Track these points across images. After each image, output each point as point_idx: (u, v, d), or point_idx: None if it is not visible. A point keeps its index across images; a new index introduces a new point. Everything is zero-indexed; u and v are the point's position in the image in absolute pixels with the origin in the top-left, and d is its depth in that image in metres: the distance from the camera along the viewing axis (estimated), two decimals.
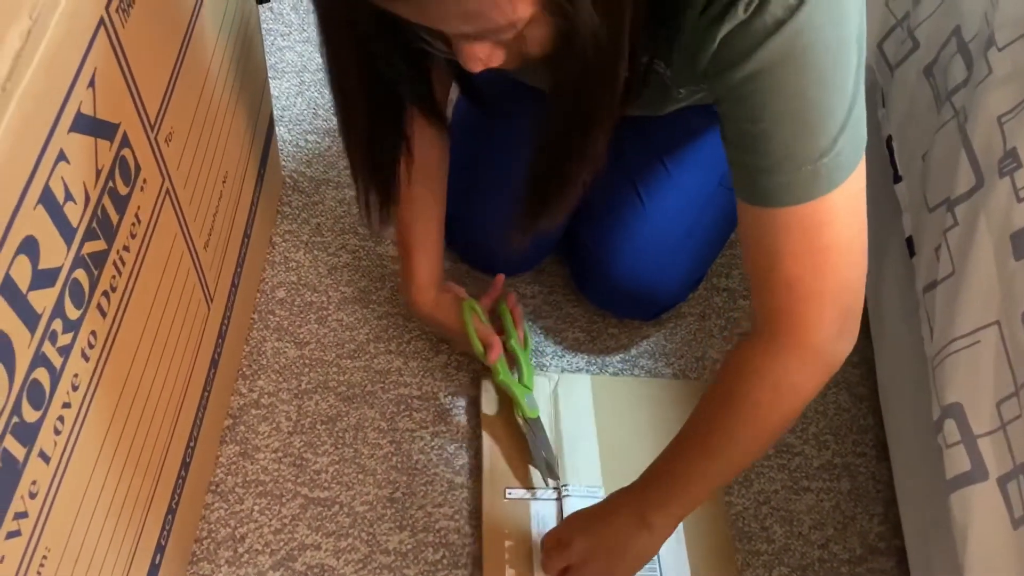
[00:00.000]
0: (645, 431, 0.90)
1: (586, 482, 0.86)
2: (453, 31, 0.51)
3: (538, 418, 0.87)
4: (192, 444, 0.75)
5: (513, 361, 0.90)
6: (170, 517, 0.71)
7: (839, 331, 0.60)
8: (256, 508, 0.84)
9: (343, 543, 0.83)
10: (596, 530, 0.72)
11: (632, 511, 0.69)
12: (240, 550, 0.82)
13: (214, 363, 0.79)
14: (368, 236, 1.05)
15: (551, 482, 0.85)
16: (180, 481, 0.72)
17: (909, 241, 0.84)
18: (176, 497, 0.71)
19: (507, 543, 0.82)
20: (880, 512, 0.89)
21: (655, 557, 0.80)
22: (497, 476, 0.86)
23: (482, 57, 0.52)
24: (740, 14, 0.51)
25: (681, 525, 0.83)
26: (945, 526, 0.68)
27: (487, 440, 0.88)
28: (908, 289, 0.84)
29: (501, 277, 0.93)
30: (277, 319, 0.97)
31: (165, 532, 0.70)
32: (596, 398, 0.93)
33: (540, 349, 0.98)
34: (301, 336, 0.96)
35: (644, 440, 0.87)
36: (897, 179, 0.88)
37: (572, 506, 0.82)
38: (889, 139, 0.91)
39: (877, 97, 0.96)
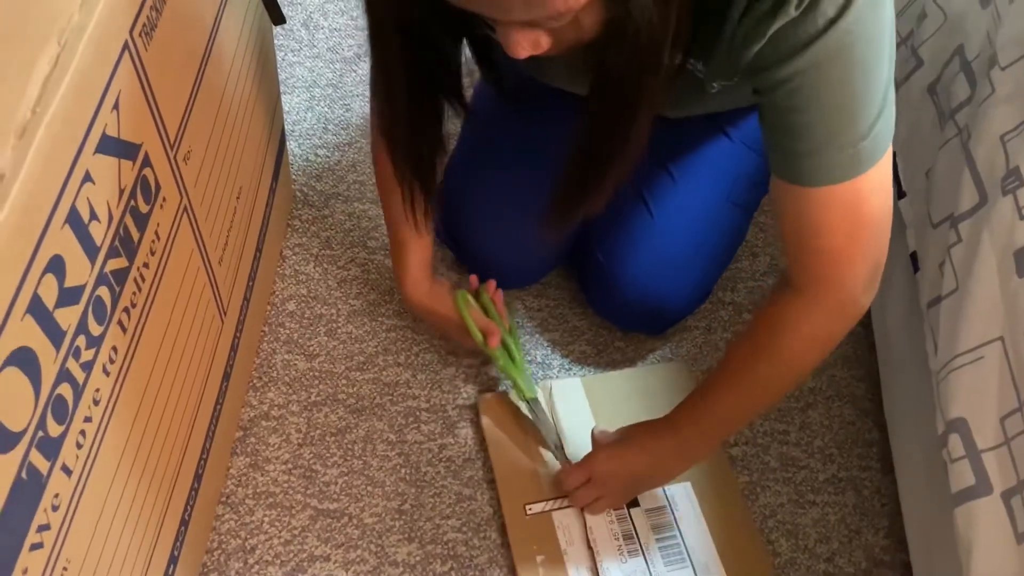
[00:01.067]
0: (642, 419, 0.91)
1: None
2: (511, 18, 0.51)
3: (537, 399, 0.88)
4: (205, 456, 0.76)
5: (505, 347, 0.91)
6: (183, 528, 0.71)
7: (868, 285, 0.67)
8: (266, 520, 0.85)
9: (352, 555, 0.84)
10: (634, 470, 0.80)
11: (668, 449, 0.78)
12: (250, 561, 0.82)
13: (227, 376, 0.80)
14: (377, 249, 1.06)
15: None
16: (193, 492, 0.73)
17: (913, 256, 0.85)
18: (189, 508, 0.72)
19: (539, 558, 0.82)
20: (885, 526, 0.90)
21: (677, 533, 0.85)
22: (514, 494, 0.87)
23: (529, 44, 0.52)
24: (792, 11, 0.53)
25: (698, 503, 0.87)
26: (950, 540, 0.68)
27: (497, 460, 0.89)
28: (912, 304, 0.85)
29: (474, 277, 0.94)
30: (287, 331, 0.98)
31: (178, 543, 0.71)
32: (591, 397, 0.94)
33: (547, 362, 0.99)
34: (311, 348, 0.97)
35: None
36: (901, 195, 0.89)
37: (568, 519, 0.85)
38: (893, 155, 0.92)
39: None
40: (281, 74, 1.21)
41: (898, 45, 0.95)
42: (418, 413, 0.94)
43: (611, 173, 0.63)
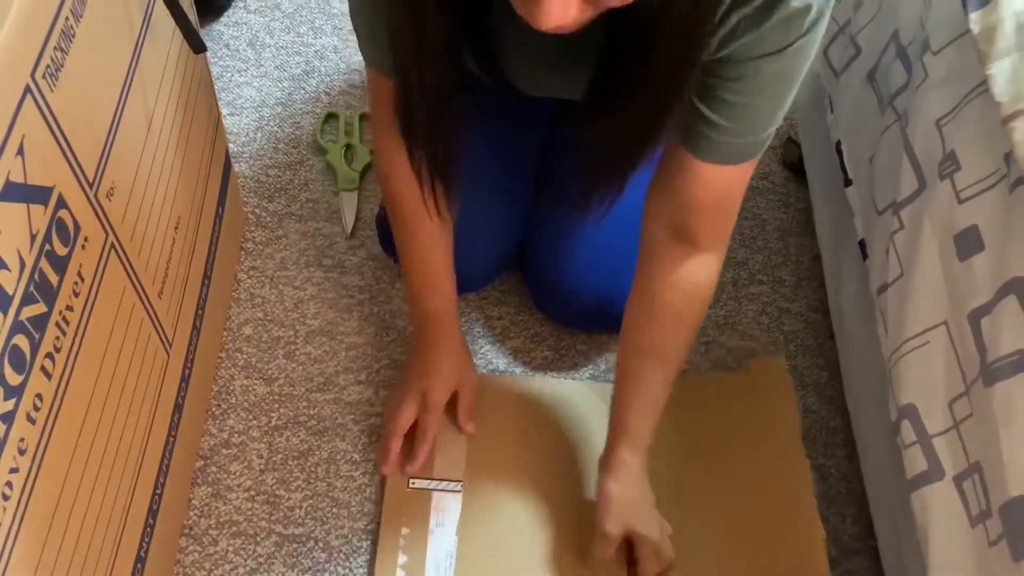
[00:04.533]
0: (512, 424, 0.91)
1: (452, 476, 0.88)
2: None
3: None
4: (159, 491, 0.75)
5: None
6: (139, 566, 0.71)
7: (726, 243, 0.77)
8: (231, 549, 0.84)
9: None
10: (644, 510, 0.81)
11: (641, 467, 0.81)
12: None
13: (178, 408, 0.79)
14: (333, 267, 1.05)
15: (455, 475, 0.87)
16: (148, 529, 0.72)
17: (862, 244, 0.85)
18: (144, 545, 0.72)
19: (404, 531, 0.83)
20: (853, 513, 0.90)
21: None
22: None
23: (558, 11, 0.48)
24: (774, 15, 0.57)
25: None
26: (912, 525, 0.69)
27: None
28: (865, 291, 0.85)
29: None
30: (245, 356, 0.97)
31: None
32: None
33: (510, 370, 0.99)
34: (269, 372, 0.96)
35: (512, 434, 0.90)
36: (848, 183, 0.89)
37: (447, 501, 0.86)
38: (839, 144, 0.92)
39: (825, 103, 0.97)
40: (228, 95, 1.20)
41: (836, 34, 0.95)
42: (381, 431, 0.93)
43: (649, 141, 0.63)
